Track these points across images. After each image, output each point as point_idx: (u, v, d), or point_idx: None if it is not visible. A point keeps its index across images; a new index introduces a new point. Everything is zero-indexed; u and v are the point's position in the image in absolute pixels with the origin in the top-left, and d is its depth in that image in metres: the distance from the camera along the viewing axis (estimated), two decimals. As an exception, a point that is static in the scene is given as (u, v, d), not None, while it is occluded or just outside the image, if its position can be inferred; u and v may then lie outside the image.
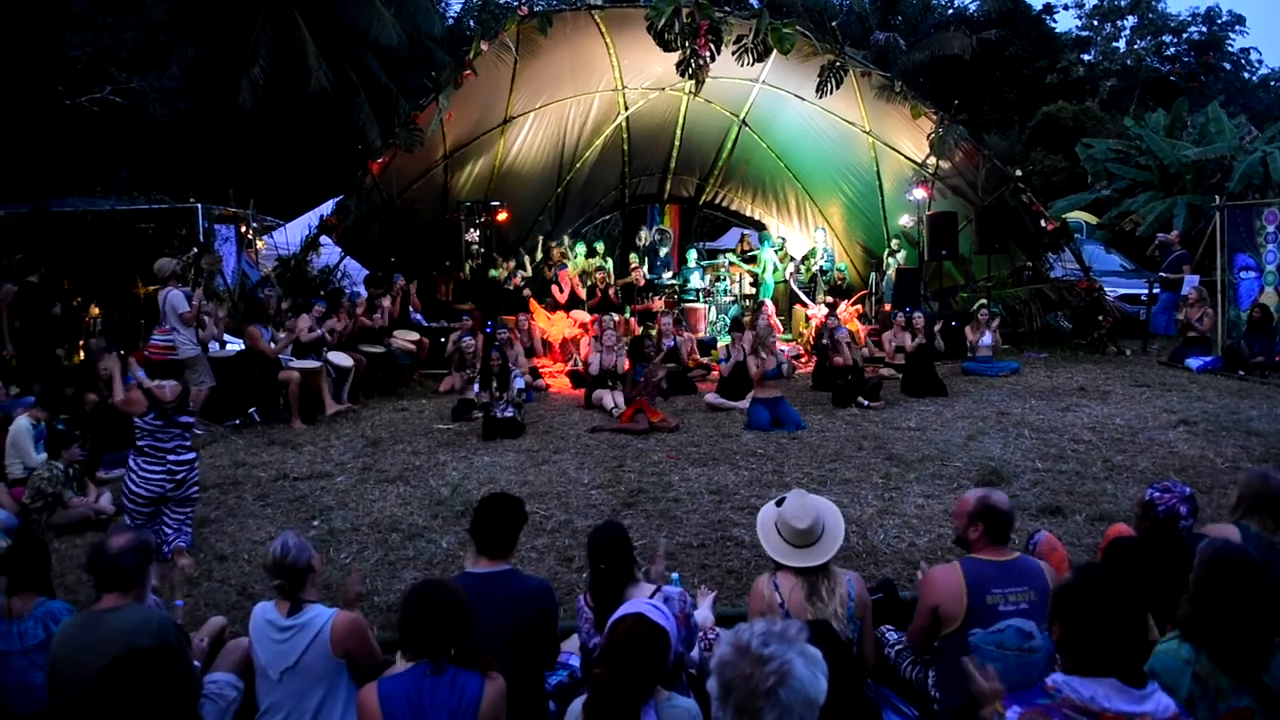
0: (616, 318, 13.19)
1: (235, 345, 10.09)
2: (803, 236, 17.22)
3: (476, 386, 8.73)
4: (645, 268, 15.33)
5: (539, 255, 15.71)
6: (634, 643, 2.59)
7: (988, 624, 3.20)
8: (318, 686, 3.19)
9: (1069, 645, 2.34)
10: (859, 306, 14.34)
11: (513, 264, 14.82)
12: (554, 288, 14.17)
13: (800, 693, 1.94)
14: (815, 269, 15.12)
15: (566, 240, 16.22)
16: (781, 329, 14.09)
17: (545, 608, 3.40)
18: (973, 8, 32.28)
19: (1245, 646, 2.58)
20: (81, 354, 10.79)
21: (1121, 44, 32.38)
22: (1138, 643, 2.29)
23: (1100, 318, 13.20)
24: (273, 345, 9.35)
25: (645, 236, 16.46)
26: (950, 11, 32.70)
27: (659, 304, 14.11)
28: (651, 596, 3.22)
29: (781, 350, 9.57)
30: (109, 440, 7.74)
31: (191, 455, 5.75)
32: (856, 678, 3.08)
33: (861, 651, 3.35)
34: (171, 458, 5.61)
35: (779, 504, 3.49)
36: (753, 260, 15.85)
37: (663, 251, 15.95)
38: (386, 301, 11.53)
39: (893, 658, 3.66)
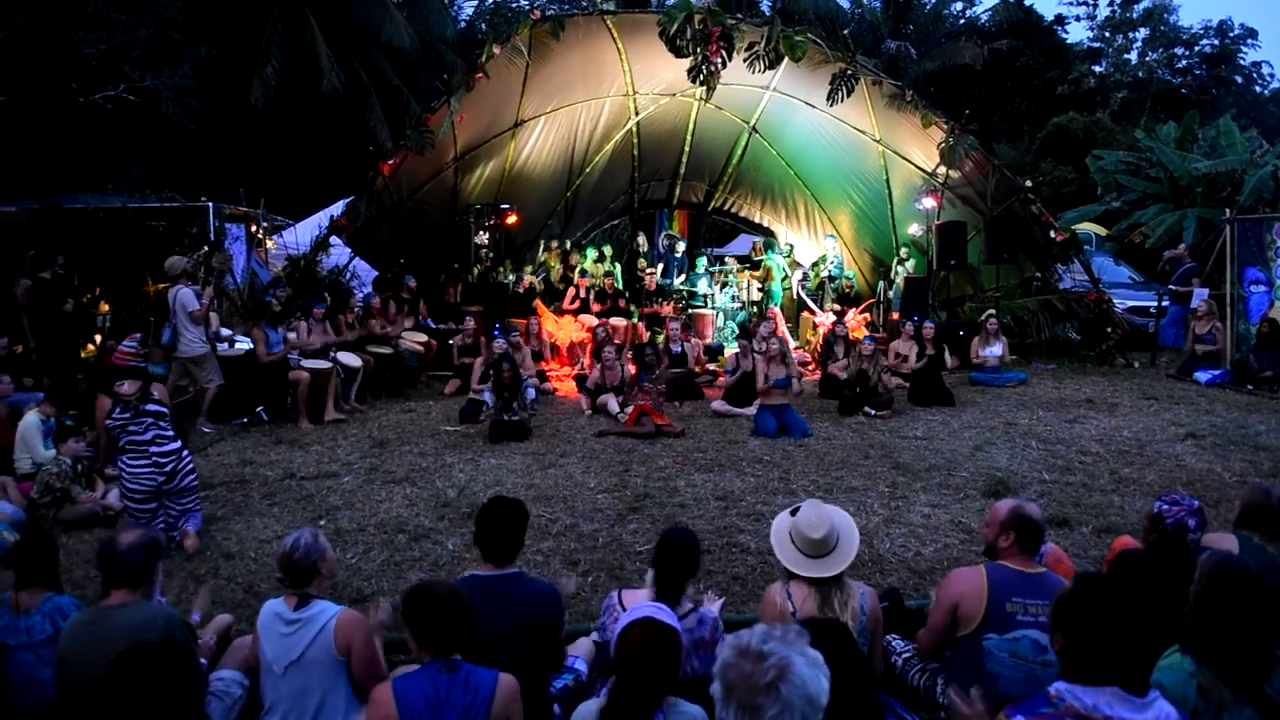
0: (621, 323, 13.24)
1: (244, 344, 10.13)
2: (811, 244, 17.24)
3: (489, 396, 8.71)
4: (660, 270, 15.33)
5: (540, 259, 15.76)
6: (649, 646, 2.60)
7: (1004, 630, 3.21)
8: (320, 683, 3.19)
9: (1071, 654, 2.34)
10: (867, 315, 14.34)
11: (529, 268, 14.88)
12: (570, 290, 14.20)
13: (801, 689, 1.94)
14: (824, 276, 15.11)
15: (567, 244, 16.26)
16: (790, 338, 14.11)
17: (550, 611, 3.41)
18: (984, 18, 32.28)
19: (1246, 658, 2.58)
20: (94, 349, 10.84)
21: (1133, 56, 32.35)
22: (1139, 650, 2.29)
23: (1109, 329, 13.17)
24: (279, 350, 9.39)
25: (643, 242, 16.45)
26: (962, 21, 32.70)
27: (667, 309, 14.12)
28: (684, 616, 3.22)
29: (793, 358, 9.57)
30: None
31: (175, 445, 5.76)
32: (865, 676, 3.08)
33: (871, 664, 3.34)
34: (154, 449, 5.64)
35: (793, 513, 3.48)
36: (755, 266, 15.87)
37: (679, 248, 15.95)
38: (393, 311, 11.59)
39: (899, 665, 3.66)
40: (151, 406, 5.78)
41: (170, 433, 5.78)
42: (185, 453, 5.82)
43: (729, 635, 2.17)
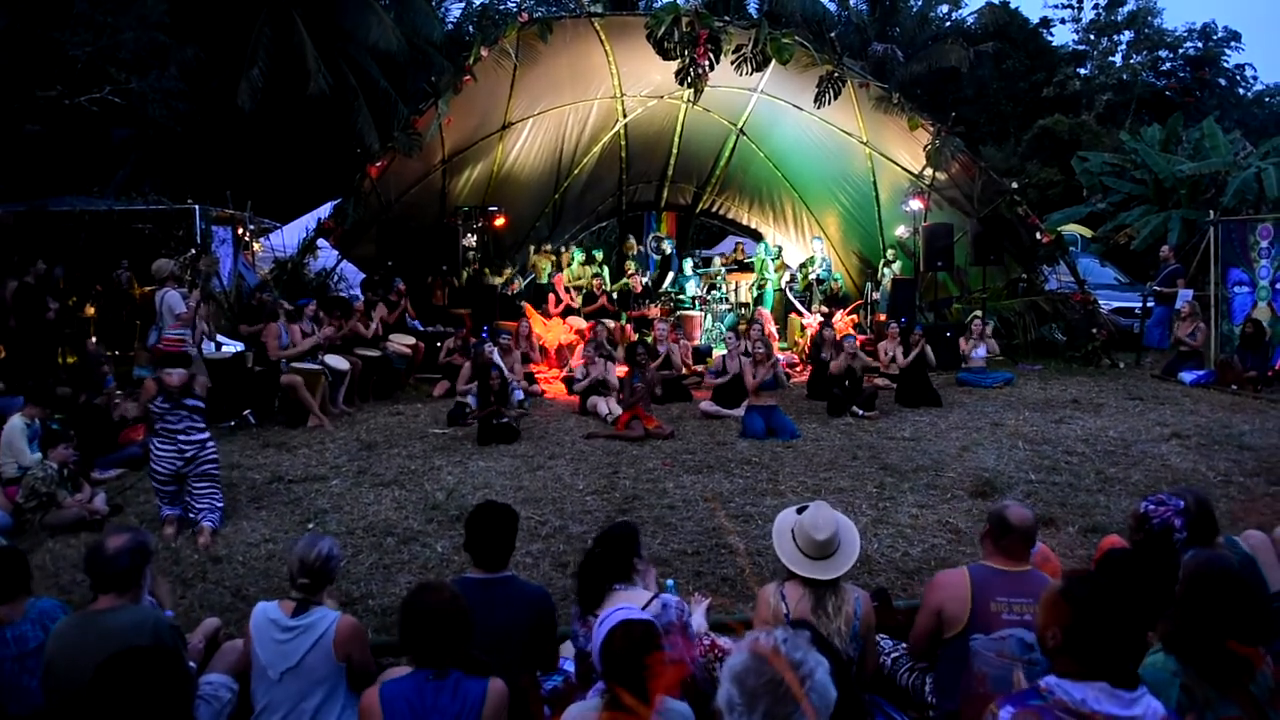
0: (612, 324, 13.24)
1: (230, 347, 10.08)
2: (799, 246, 17.28)
3: (474, 400, 8.73)
4: (658, 271, 15.35)
5: (531, 261, 15.75)
6: (634, 646, 2.60)
7: (990, 630, 3.22)
8: (318, 688, 3.19)
9: (1067, 649, 2.35)
10: (854, 316, 14.38)
11: (509, 271, 14.85)
12: (551, 295, 14.19)
13: (824, 696, 1.93)
14: (812, 278, 15.16)
15: (563, 248, 16.26)
16: (779, 339, 14.14)
17: (543, 613, 3.41)
18: (970, 20, 32.41)
19: (1229, 658, 2.59)
20: (75, 357, 10.78)
21: (1118, 58, 32.52)
22: (1128, 647, 2.31)
23: (1094, 330, 13.24)
24: (287, 348, 9.40)
25: (633, 245, 16.46)
26: (948, 24, 32.82)
27: (655, 311, 14.13)
28: (647, 605, 3.22)
29: (778, 358, 9.60)
30: (102, 442, 7.75)
31: (202, 435, 6.19)
32: (848, 683, 3.08)
33: (862, 669, 3.33)
34: (181, 438, 6.07)
35: (799, 511, 3.48)
36: (748, 268, 15.92)
37: (666, 248, 16.00)
38: (383, 311, 11.54)
39: (888, 665, 3.67)
40: (190, 401, 6.17)
41: (201, 424, 6.22)
42: (211, 443, 6.24)
43: (737, 640, 2.13)
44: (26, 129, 14.68)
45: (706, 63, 11.41)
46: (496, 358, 9.89)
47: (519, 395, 9.01)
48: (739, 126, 16.34)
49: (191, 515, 6.06)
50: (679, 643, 2.99)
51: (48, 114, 15.11)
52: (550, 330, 13.28)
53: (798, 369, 12.81)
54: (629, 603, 3.12)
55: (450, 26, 29.54)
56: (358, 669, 3.25)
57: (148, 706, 2.29)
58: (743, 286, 15.66)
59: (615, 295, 14.76)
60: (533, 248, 16.35)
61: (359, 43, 21.45)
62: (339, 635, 3.23)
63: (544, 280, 14.98)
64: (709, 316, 14.73)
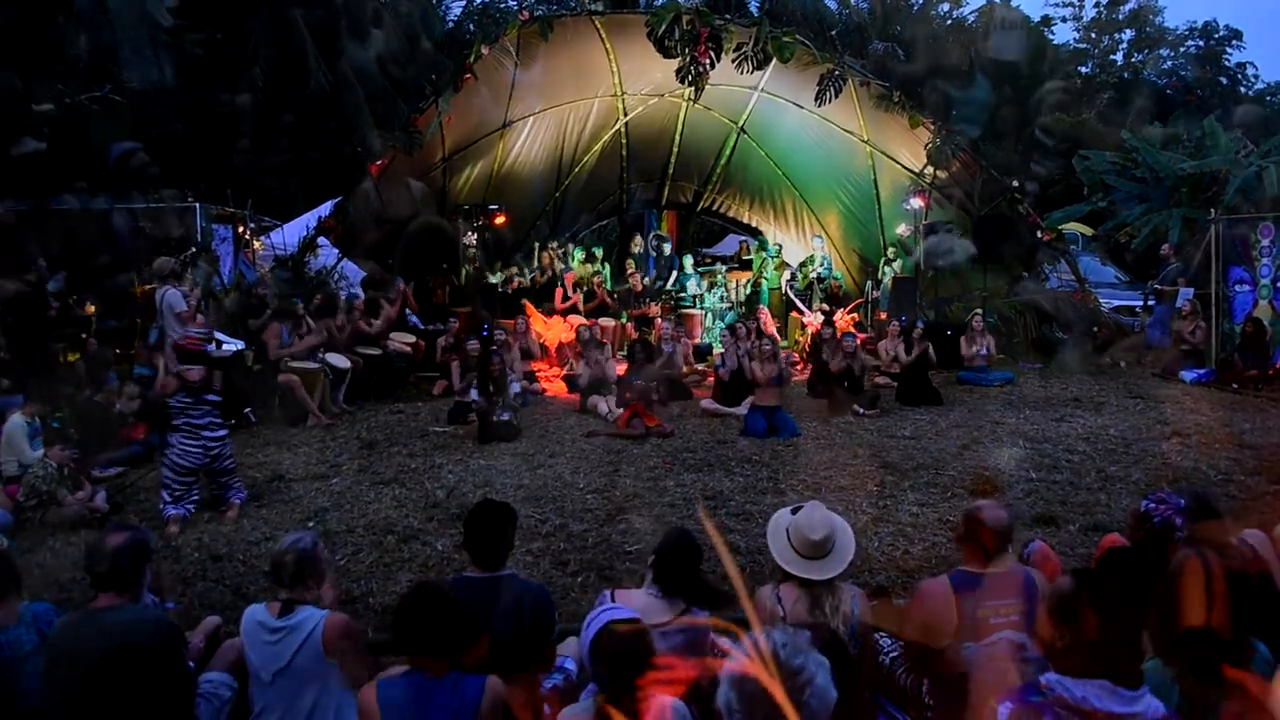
0: (610, 323, 13.25)
1: (231, 345, 10.07)
2: (799, 244, 17.26)
3: (474, 391, 8.75)
4: (653, 272, 15.34)
5: (537, 259, 15.74)
6: (620, 650, 2.60)
7: (980, 637, 3.19)
8: (310, 688, 3.17)
9: (1067, 649, 2.34)
10: (855, 314, 14.36)
11: (513, 270, 14.83)
12: (559, 290, 14.17)
13: (824, 700, 1.93)
14: (812, 276, 15.15)
15: (570, 246, 16.24)
16: (780, 337, 14.13)
17: (542, 611, 3.41)
18: (971, 19, 32.40)
19: (1215, 654, 2.58)
20: (76, 354, 10.78)
21: (1119, 57, 32.50)
22: (1131, 645, 2.30)
23: (1095, 329, 13.21)
24: (288, 346, 9.42)
25: (639, 243, 16.46)
26: (949, 22, 32.79)
27: (655, 310, 14.12)
28: (676, 619, 3.24)
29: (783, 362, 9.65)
30: (103, 440, 7.75)
31: (223, 432, 6.49)
32: (857, 680, 3.08)
33: (860, 667, 3.33)
34: (206, 434, 6.30)
35: (794, 511, 3.46)
36: (748, 265, 15.91)
37: (666, 249, 16.00)
38: (390, 311, 11.54)
39: (887, 664, 3.66)
40: (212, 396, 6.46)
41: (220, 419, 6.47)
42: (228, 440, 6.55)
43: (738, 642, 2.12)
44: (25, 145, 14.64)
45: (707, 61, 11.42)
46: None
47: (516, 388, 9.02)
48: (740, 125, 16.32)
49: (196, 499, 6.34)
50: (684, 661, 2.98)
51: (49, 113, 15.09)
52: (551, 328, 13.26)
53: (798, 367, 12.80)
54: (663, 611, 3.19)
55: (451, 24, 29.46)
56: (350, 667, 3.21)
57: (145, 704, 2.29)
58: (743, 285, 15.66)
59: (615, 295, 14.74)
60: (537, 245, 16.34)
61: (360, 41, 21.41)
62: (327, 633, 3.19)
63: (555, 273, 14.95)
64: (709, 315, 14.72)
